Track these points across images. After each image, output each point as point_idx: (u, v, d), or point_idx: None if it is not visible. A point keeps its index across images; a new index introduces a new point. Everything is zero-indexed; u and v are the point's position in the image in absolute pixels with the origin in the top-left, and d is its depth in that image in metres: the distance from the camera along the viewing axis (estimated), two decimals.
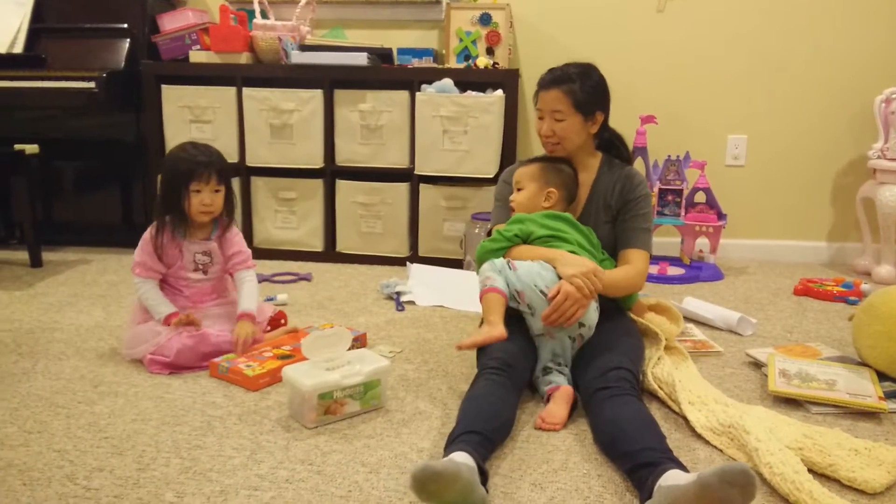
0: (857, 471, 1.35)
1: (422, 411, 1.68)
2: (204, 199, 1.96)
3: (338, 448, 1.49)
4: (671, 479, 1.21)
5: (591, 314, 1.72)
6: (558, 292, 1.65)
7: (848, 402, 1.67)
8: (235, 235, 2.08)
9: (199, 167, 1.94)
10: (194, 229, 2.02)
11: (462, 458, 1.27)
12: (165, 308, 1.96)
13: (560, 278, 1.69)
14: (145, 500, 1.28)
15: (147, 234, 2.00)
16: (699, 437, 1.55)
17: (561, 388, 1.64)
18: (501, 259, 1.77)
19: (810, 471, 1.35)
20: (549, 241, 1.80)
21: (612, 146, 2.01)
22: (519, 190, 1.92)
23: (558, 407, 1.60)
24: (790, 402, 1.73)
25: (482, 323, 1.71)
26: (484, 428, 1.40)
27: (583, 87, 1.87)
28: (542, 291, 1.68)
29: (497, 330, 1.63)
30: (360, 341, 2.07)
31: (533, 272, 1.71)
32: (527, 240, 1.83)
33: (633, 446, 1.36)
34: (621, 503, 1.30)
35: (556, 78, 1.89)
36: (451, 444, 1.36)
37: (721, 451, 1.49)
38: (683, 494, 1.14)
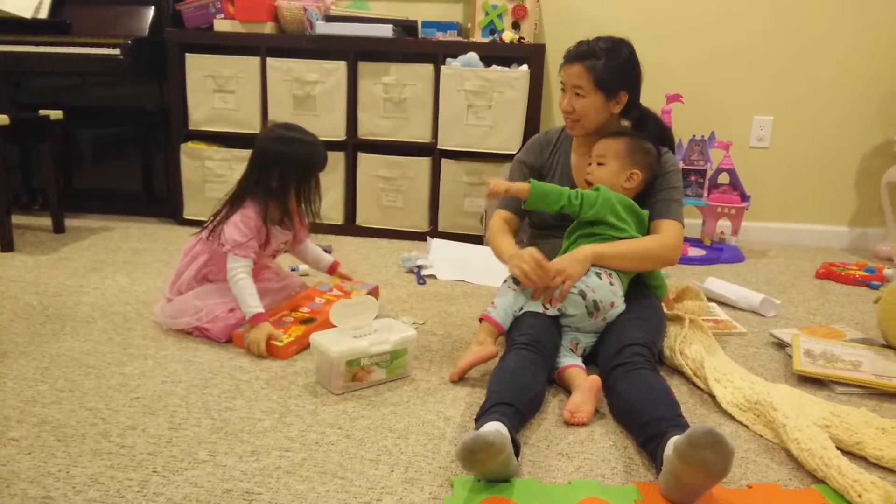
0: (885, 449, 1.35)
1: (447, 381, 1.68)
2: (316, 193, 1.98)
3: (365, 414, 1.50)
4: (669, 448, 1.22)
5: (605, 293, 1.70)
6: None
7: (874, 382, 1.67)
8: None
9: (325, 161, 1.96)
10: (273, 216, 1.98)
11: (504, 430, 1.27)
12: (257, 305, 1.83)
13: (589, 273, 1.72)
14: (179, 457, 1.30)
15: (251, 213, 1.88)
16: (725, 413, 1.56)
17: (589, 379, 1.56)
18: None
19: (837, 448, 1.35)
20: (594, 229, 1.77)
21: (642, 127, 1.88)
22: (600, 165, 1.81)
23: (585, 400, 1.52)
24: (815, 383, 1.73)
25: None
26: (516, 401, 1.40)
27: (607, 64, 1.78)
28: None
29: (488, 349, 1.69)
30: (373, 294, 2.10)
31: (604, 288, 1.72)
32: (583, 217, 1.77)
33: (642, 419, 1.37)
34: (650, 473, 1.31)
35: (580, 53, 1.81)
36: (485, 413, 1.37)
37: (747, 426, 1.50)
38: (672, 466, 1.17)
